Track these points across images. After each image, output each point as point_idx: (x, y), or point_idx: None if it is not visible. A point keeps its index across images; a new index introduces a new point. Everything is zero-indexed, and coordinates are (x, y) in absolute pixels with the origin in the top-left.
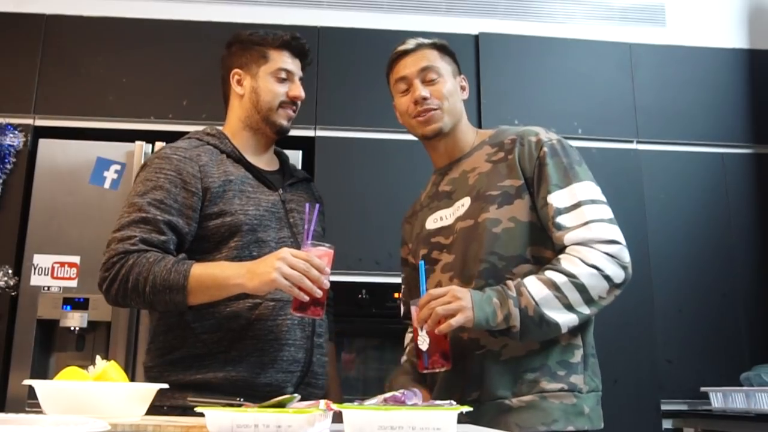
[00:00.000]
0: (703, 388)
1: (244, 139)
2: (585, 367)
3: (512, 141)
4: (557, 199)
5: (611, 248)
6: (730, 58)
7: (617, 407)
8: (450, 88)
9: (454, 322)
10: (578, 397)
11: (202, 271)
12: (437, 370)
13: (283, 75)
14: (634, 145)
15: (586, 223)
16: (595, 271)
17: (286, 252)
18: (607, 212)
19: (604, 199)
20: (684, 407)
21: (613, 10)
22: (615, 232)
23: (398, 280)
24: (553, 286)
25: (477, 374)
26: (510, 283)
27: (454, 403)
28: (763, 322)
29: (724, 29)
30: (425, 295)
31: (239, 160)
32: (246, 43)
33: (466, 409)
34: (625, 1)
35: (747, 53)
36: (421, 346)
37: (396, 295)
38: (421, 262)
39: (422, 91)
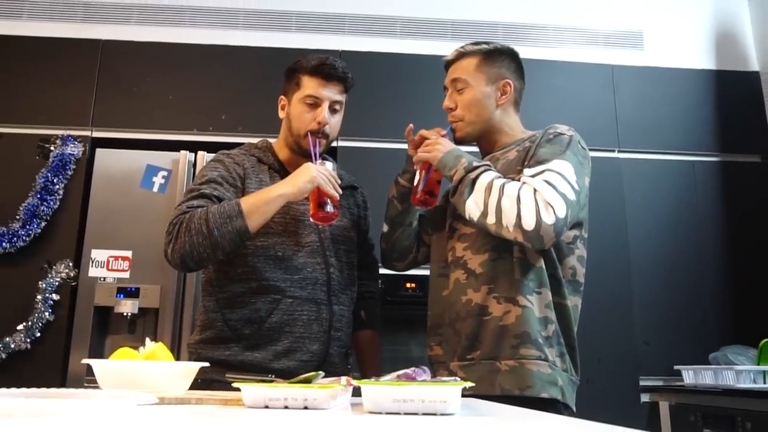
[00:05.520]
0: (676, 366)
1: (287, 153)
2: (562, 352)
3: (539, 134)
4: (530, 171)
5: (542, 205)
6: (700, 78)
7: (601, 383)
8: (473, 98)
9: (422, 155)
10: (553, 368)
11: (248, 198)
12: (423, 204)
13: (311, 101)
14: (615, 154)
15: (541, 180)
16: (516, 202)
17: (311, 164)
18: (565, 187)
19: (573, 179)
20: (660, 383)
21: (597, 36)
22: (556, 200)
23: (410, 271)
24: (489, 184)
25: (478, 337)
26: (486, 162)
27: (458, 379)
28: (728, 309)
29: (695, 52)
30: (417, 136)
31: (278, 171)
32: (289, 70)
33: (468, 384)
34: (607, 27)
35: (715, 73)
36: (414, 182)
37: (408, 285)
38: (450, 126)
39: (447, 101)
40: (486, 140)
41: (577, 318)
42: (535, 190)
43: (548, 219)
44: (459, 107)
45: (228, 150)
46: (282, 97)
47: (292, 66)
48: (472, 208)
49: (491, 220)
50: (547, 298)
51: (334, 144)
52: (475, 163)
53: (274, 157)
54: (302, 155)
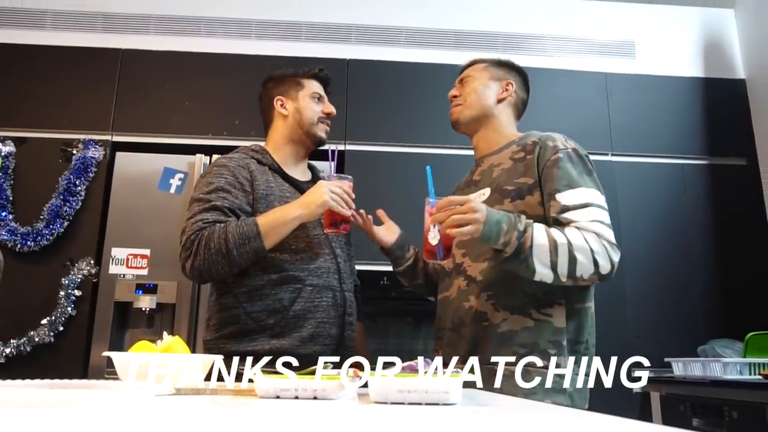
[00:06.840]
0: (666, 359)
1: (285, 152)
2: (578, 356)
3: (534, 143)
4: (566, 197)
5: (609, 246)
6: (689, 85)
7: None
8: (476, 87)
9: (466, 230)
10: (561, 377)
11: (265, 217)
12: (442, 262)
13: (317, 97)
14: (609, 157)
15: (593, 221)
16: (590, 253)
17: (325, 182)
18: (608, 218)
19: (603, 200)
20: (651, 374)
21: (592, 45)
22: (613, 236)
23: None
24: (553, 244)
25: (477, 342)
26: (523, 218)
27: (459, 371)
28: (715, 305)
29: (684, 61)
30: (445, 200)
31: (278, 171)
32: (281, 77)
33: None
34: (601, 37)
35: (703, 81)
36: (431, 241)
37: None
38: (428, 167)
39: (453, 90)
40: (479, 136)
41: (592, 322)
42: (597, 235)
43: (616, 257)
44: (462, 94)
45: None
46: (279, 97)
47: (284, 73)
48: (545, 273)
49: (563, 277)
50: (564, 308)
51: (341, 147)
52: (520, 226)
53: (270, 158)
54: (312, 142)
